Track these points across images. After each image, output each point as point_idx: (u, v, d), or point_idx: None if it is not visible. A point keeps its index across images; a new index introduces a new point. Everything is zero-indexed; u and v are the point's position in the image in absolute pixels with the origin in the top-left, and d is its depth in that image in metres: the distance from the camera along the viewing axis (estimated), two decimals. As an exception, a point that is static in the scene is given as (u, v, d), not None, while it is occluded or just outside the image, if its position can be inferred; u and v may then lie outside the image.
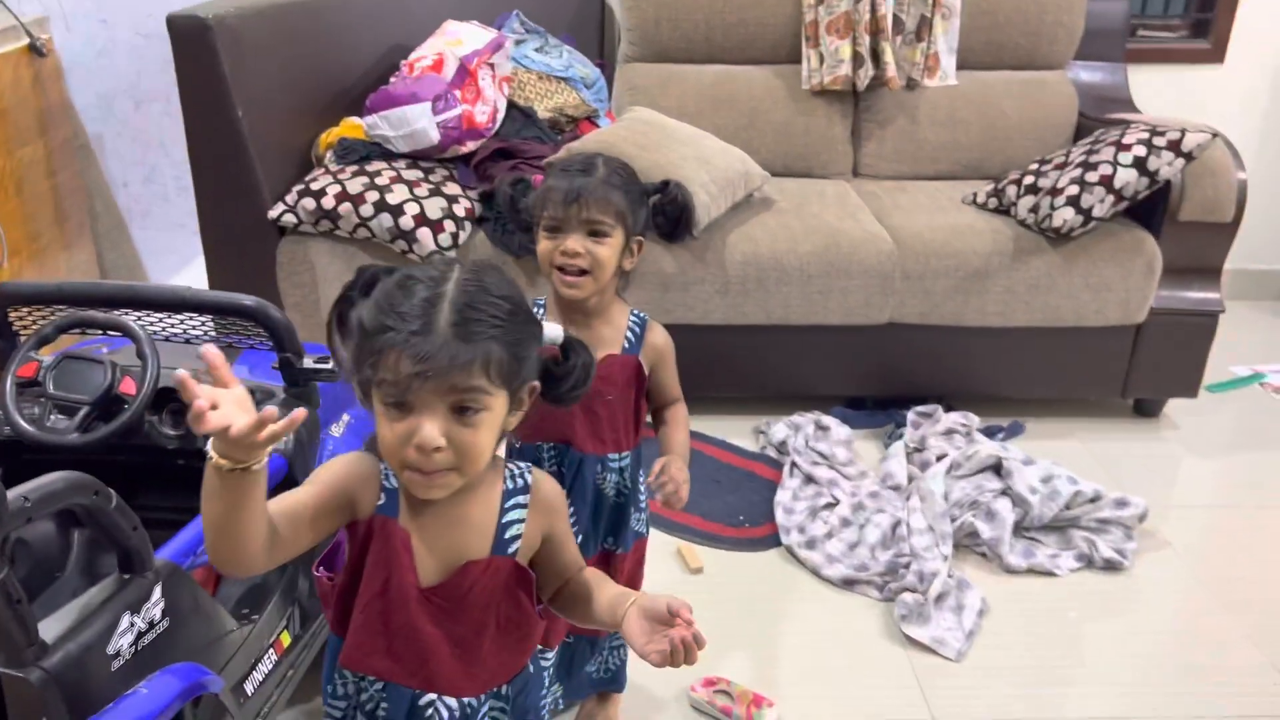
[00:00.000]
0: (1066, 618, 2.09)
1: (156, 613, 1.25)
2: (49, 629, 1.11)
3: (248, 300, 1.64)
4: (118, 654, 1.18)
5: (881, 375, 2.74)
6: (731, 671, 1.88)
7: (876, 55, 2.99)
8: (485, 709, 1.11)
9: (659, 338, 1.58)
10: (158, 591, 1.26)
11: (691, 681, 1.84)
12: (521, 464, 1.13)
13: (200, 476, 0.91)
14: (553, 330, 1.11)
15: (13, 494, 1.04)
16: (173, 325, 1.75)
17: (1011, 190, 2.72)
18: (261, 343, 1.74)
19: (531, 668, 1.16)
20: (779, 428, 2.63)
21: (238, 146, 2.41)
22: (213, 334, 1.78)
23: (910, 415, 2.65)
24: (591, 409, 1.52)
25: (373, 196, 2.42)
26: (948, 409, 2.69)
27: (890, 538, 2.24)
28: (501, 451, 1.10)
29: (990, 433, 2.65)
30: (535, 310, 1.46)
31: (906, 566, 2.14)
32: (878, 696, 1.87)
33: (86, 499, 1.15)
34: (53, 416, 1.53)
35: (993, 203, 2.77)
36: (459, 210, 2.49)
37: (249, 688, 1.46)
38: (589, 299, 1.49)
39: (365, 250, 2.51)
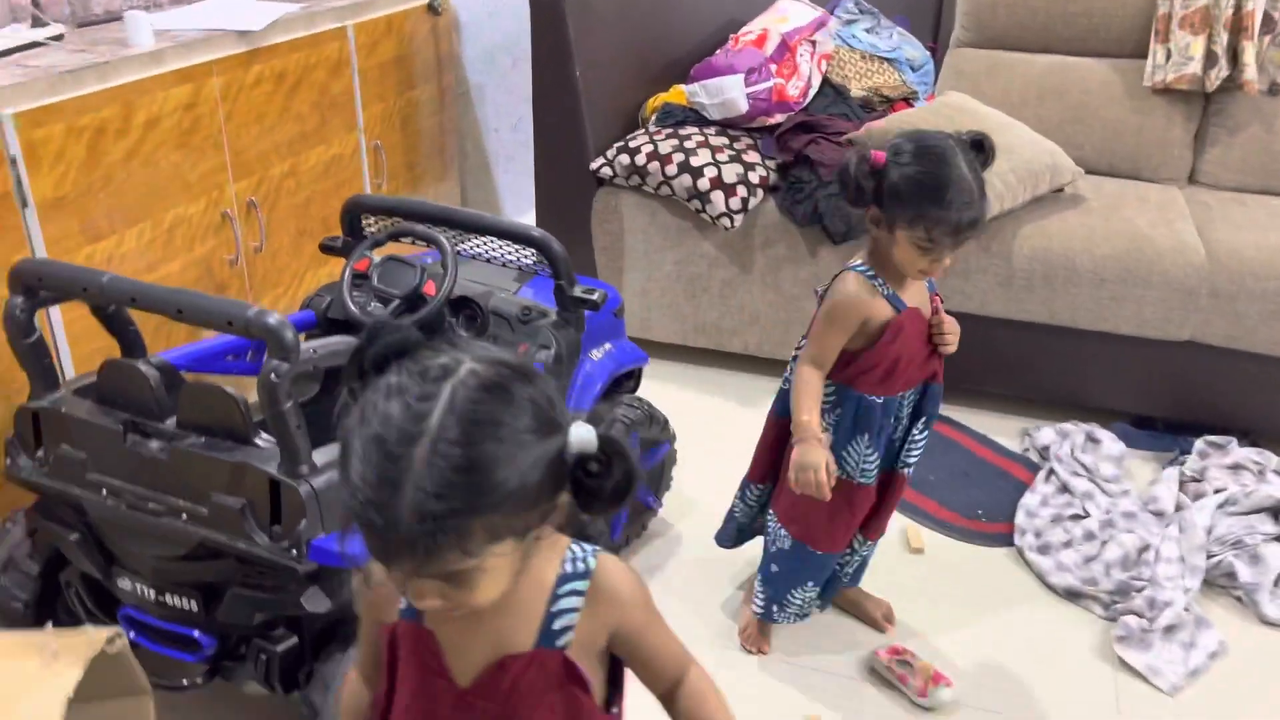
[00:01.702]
0: (1321, 685, 1.89)
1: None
2: (319, 456, 1.44)
3: (535, 232, 1.92)
4: (369, 488, 1.49)
5: (1172, 396, 2.55)
6: (920, 647, 1.92)
7: (1235, 55, 2.73)
8: None
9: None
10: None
11: (879, 648, 1.91)
12: (588, 546, 0.98)
13: None
14: (582, 435, 0.85)
15: (305, 345, 1.36)
16: (478, 246, 2.08)
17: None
18: (545, 269, 2.02)
19: None
20: (1046, 432, 2.55)
21: (574, 104, 2.73)
22: (510, 258, 2.09)
23: (1199, 444, 2.45)
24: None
25: (678, 158, 2.65)
26: (1246, 444, 2.46)
27: (1133, 560, 2.12)
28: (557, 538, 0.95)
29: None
30: (853, 272, 1.61)
31: (1139, 591, 2.03)
32: (1068, 709, 1.83)
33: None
34: (373, 304, 1.90)
35: (1346, 226, 2.47)
36: (753, 178, 2.65)
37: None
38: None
39: (666, 206, 2.74)
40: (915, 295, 1.66)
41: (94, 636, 1.06)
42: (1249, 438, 2.50)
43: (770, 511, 1.86)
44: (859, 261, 1.63)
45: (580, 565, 0.96)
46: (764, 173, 2.68)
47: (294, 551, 1.40)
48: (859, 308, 1.61)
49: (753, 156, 2.71)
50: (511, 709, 0.95)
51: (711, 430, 2.60)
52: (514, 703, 0.95)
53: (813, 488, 1.59)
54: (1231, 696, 1.86)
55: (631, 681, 1.04)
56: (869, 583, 2.02)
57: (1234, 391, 2.50)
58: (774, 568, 1.86)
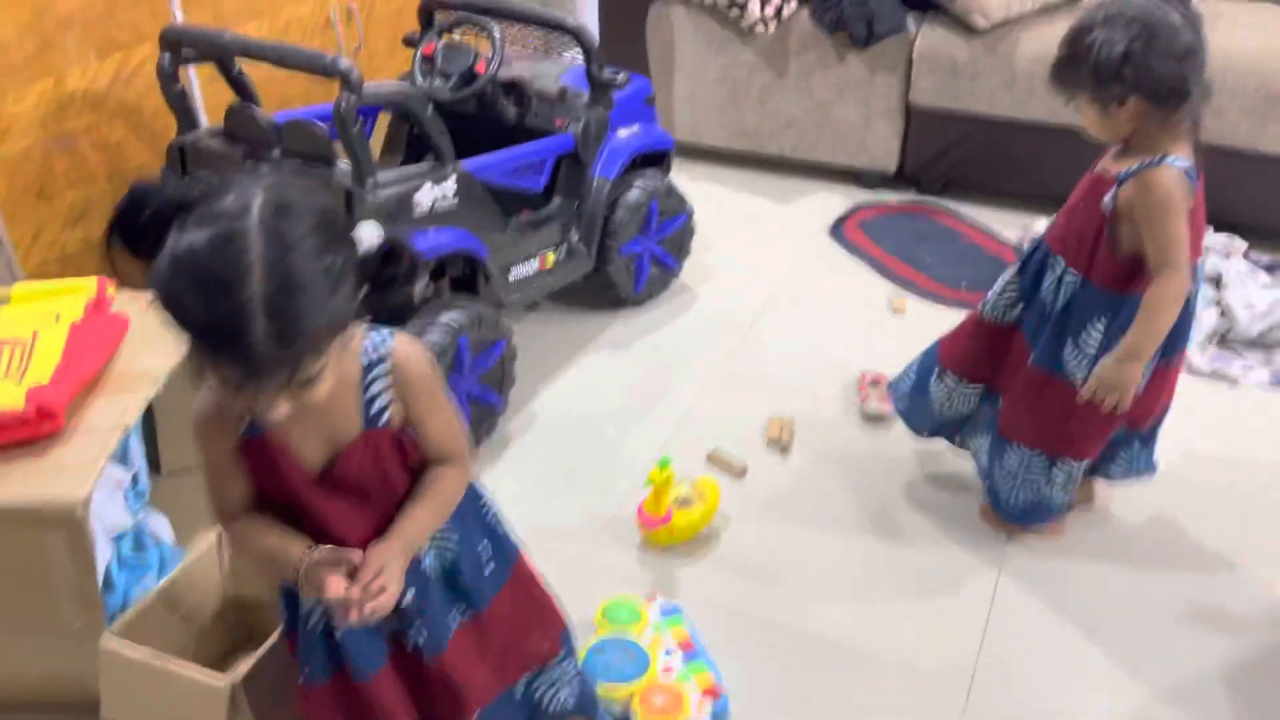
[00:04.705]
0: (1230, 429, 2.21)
1: (449, 191, 2.02)
2: (383, 177, 1.91)
3: (570, 21, 2.34)
4: (419, 205, 1.96)
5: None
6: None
7: None
8: (430, 548, 1.20)
9: None
10: (453, 179, 2.02)
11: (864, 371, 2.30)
12: (383, 331, 1.12)
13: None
14: (369, 235, 1.02)
15: (366, 85, 1.82)
16: (527, 33, 2.48)
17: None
18: (577, 59, 2.41)
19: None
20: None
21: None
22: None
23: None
24: None
25: (720, -30, 2.96)
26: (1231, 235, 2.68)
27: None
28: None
29: (1268, 268, 2.62)
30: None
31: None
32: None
33: (414, 102, 1.93)
34: (437, 81, 2.34)
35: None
36: (788, -12, 2.95)
37: (511, 275, 2.22)
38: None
39: (711, 16, 3.06)
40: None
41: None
42: (1238, 231, 2.71)
43: (1003, 436, 1.80)
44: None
45: (380, 351, 1.10)
46: (798, -16, 2.97)
47: (362, 244, 1.89)
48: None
49: (789, -31, 2.99)
50: (364, 481, 1.13)
51: (739, 217, 3.01)
52: (364, 476, 1.12)
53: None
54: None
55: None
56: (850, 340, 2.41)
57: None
58: (1020, 495, 1.81)
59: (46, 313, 1.69)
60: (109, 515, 1.66)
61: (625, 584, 1.81)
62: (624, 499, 1.98)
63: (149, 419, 1.97)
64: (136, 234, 0.94)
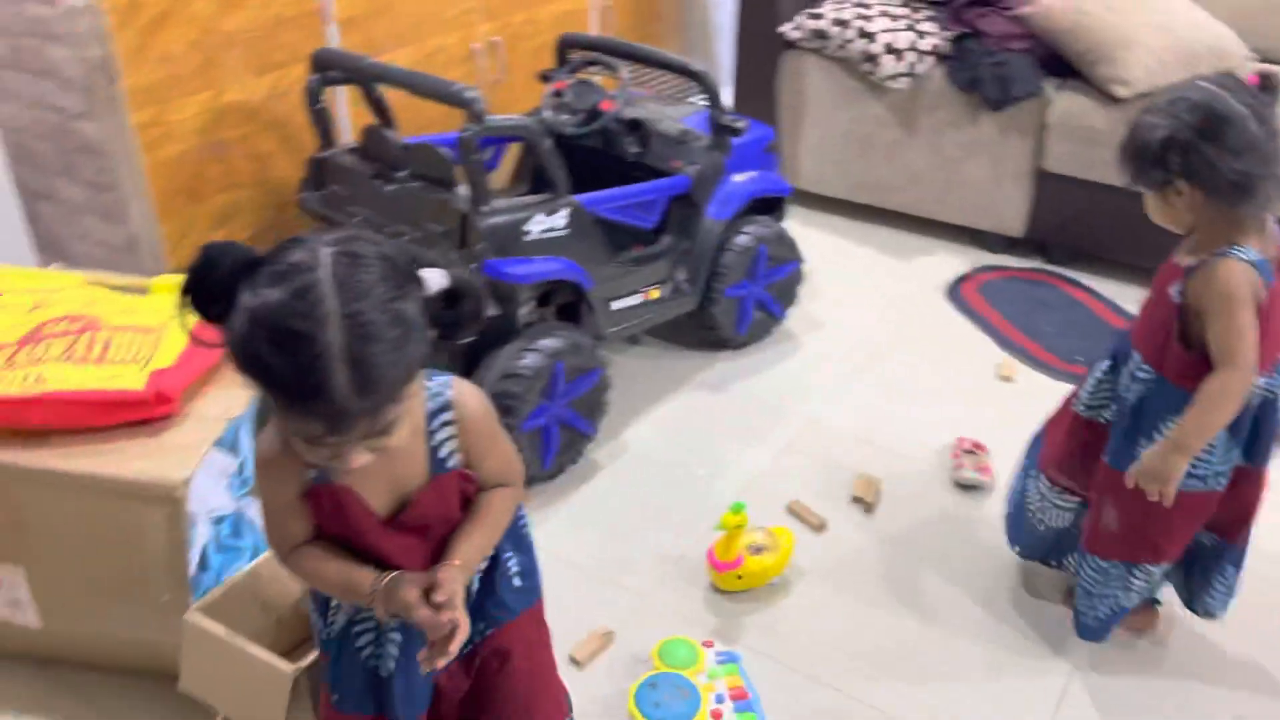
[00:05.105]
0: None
1: (560, 222, 2.09)
2: (498, 204, 2.00)
3: (696, 66, 2.39)
4: (529, 234, 2.04)
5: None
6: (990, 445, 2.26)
7: None
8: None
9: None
10: (566, 212, 2.09)
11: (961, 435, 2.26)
12: (441, 379, 1.14)
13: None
14: (435, 279, 1.02)
15: (492, 116, 1.90)
16: (660, 78, 2.55)
17: None
18: (704, 104, 2.46)
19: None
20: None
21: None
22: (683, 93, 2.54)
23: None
24: None
25: (857, 23, 2.97)
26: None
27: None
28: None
29: None
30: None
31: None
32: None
33: (534, 135, 2.01)
34: (564, 115, 2.43)
35: None
36: (924, 45, 2.93)
37: (615, 305, 2.27)
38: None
39: (843, 69, 3.07)
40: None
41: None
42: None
43: (1084, 550, 1.72)
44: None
45: (441, 399, 1.13)
46: (936, 41, 2.95)
47: (473, 266, 1.98)
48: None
49: (928, 26, 2.97)
50: (431, 522, 1.16)
51: (854, 269, 3.00)
52: (432, 518, 1.16)
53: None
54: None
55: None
56: (948, 400, 2.36)
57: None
58: (1099, 610, 1.72)
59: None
60: (212, 499, 1.77)
61: (687, 624, 1.82)
62: (699, 539, 1.99)
63: (261, 413, 2.10)
64: (208, 295, 0.94)
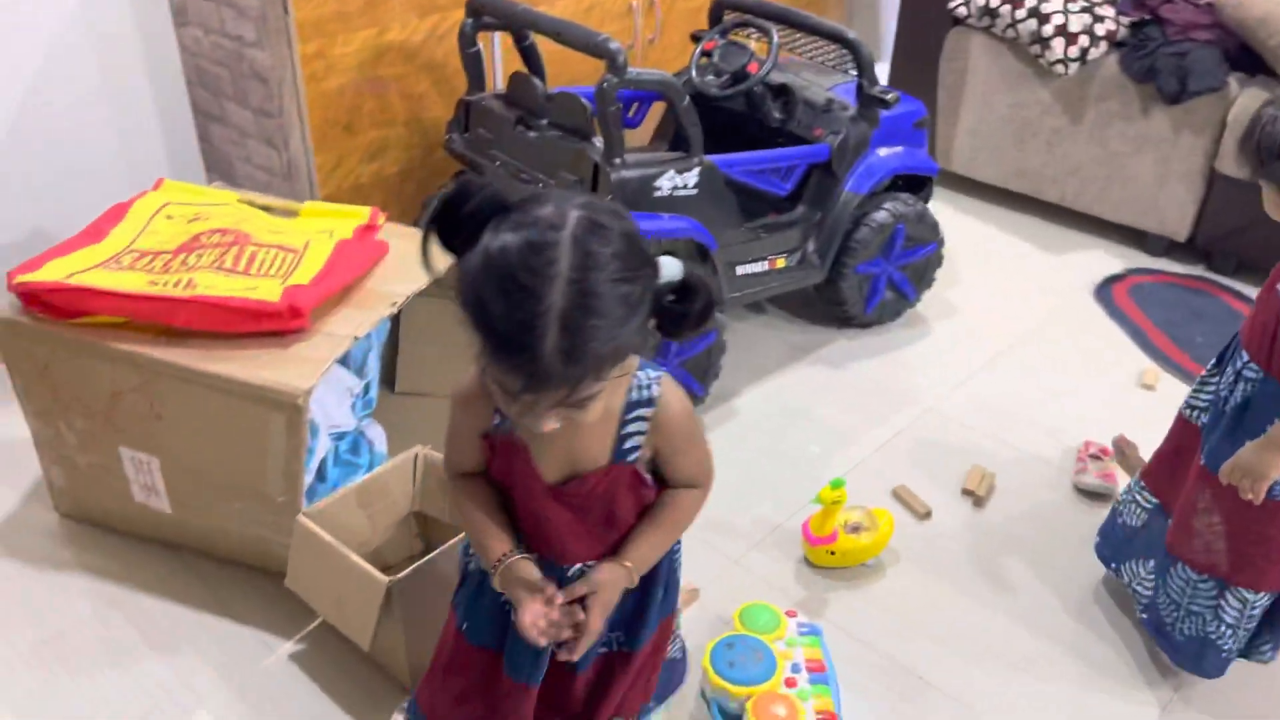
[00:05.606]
0: None
1: (691, 181, 2.09)
2: (630, 158, 2.01)
3: (849, 33, 2.34)
4: (659, 189, 2.05)
5: None
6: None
7: None
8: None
9: None
10: (697, 171, 2.09)
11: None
12: (653, 374, 1.12)
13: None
14: (671, 268, 1.01)
15: (632, 70, 1.92)
16: (806, 42, 2.51)
17: None
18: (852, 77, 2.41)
19: None
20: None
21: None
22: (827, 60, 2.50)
23: None
24: None
25: (1031, 2, 2.83)
26: None
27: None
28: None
29: None
30: None
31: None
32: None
33: (671, 92, 2.01)
34: (709, 76, 2.42)
35: None
36: (1100, 30, 2.77)
37: (739, 270, 2.26)
38: None
39: (1010, 50, 2.94)
40: None
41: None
42: None
43: (1170, 553, 1.63)
44: None
45: (646, 393, 1.11)
46: (1113, 26, 2.79)
47: (600, 217, 2.00)
48: None
49: (1105, 10, 2.81)
50: (592, 503, 1.15)
51: (998, 259, 2.89)
52: (594, 499, 1.15)
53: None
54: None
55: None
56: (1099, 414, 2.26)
57: None
58: (1185, 627, 1.63)
59: (323, 229, 1.93)
60: (335, 414, 1.87)
61: (774, 592, 1.81)
62: (798, 512, 1.98)
63: (393, 341, 2.20)
64: (454, 226, 0.95)
